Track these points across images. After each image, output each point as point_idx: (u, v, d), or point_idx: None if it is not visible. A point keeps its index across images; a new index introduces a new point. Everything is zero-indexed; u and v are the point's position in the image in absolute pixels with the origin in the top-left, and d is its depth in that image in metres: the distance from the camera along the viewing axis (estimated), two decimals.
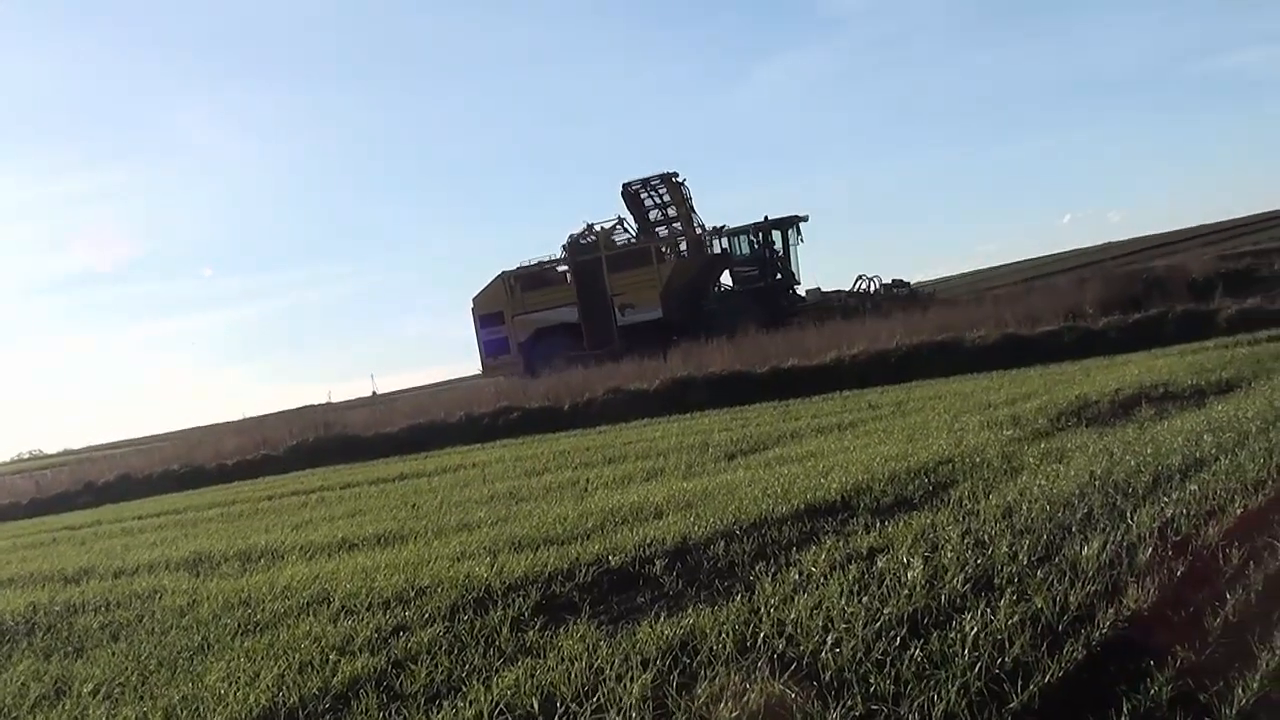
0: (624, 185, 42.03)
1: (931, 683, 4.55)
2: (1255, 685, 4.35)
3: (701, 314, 39.17)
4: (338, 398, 67.35)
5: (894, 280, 39.85)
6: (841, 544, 7.21)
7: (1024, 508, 7.31)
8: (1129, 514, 6.71)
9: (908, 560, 6.33)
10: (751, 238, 40.96)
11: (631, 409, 25.45)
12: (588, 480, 13.15)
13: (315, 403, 62.94)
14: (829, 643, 5.15)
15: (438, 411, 30.49)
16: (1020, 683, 4.46)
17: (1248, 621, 4.94)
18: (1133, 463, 8.31)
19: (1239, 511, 6.53)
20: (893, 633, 5.15)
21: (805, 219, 41.24)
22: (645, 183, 41.87)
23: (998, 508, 7.49)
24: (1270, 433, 8.71)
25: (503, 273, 42.27)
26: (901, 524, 7.52)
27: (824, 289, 40.59)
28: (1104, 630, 4.91)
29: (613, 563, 7.70)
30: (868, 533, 7.47)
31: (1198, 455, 8.28)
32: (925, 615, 5.36)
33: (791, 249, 40.90)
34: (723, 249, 41.76)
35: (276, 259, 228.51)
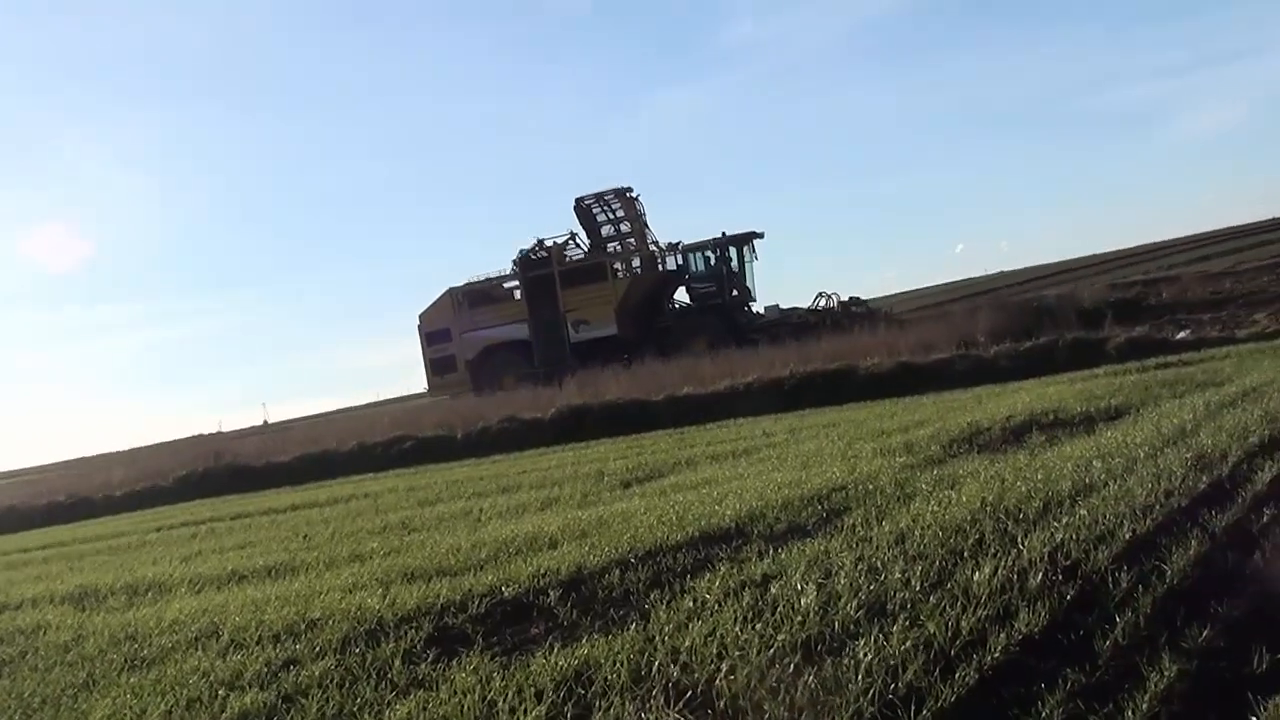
0: (577, 200, 42.27)
1: (826, 709, 4.65)
2: (1145, 707, 4.51)
3: (656, 331, 39.73)
4: (228, 427, 66.52)
5: (851, 298, 40.89)
6: (736, 571, 7.29)
7: (917, 534, 7.47)
8: (1020, 539, 6.90)
9: (801, 587, 6.43)
10: (708, 254, 41.29)
11: (526, 438, 25.83)
12: (482, 510, 13.16)
13: (205, 432, 62.20)
14: (723, 670, 5.23)
15: (330, 440, 30.55)
16: (914, 708, 4.58)
17: (1137, 644, 5.13)
18: (1024, 489, 8.53)
19: (1128, 536, 6.75)
20: (787, 659, 5.23)
21: (761, 235, 41.89)
22: (599, 197, 42.20)
23: (891, 534, 7.64)
24: (1158, 458, 9.01)
25: (450, 289, 42.29)
26: (795, 551, 7.62)
27: (782, 306, 41.09)
28: (996, 654, 5.06)
29: (506, 593, 7.68)
30: (762, 560, 7.56)
31: (1087, 481, 8.52)
32: (819, 642, 5.45)
33: (747, 266, 41.46)
34: (678, 265, 42.06)
35: (165, 288, 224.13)
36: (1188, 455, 8.97)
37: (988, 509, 7.96)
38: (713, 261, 41.16)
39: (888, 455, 12.15)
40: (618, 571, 7.85)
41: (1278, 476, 8.09)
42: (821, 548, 7.58)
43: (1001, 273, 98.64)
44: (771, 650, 5.37)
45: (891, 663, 5.03)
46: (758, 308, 41.69)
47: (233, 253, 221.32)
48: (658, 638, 5.92)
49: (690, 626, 6.01)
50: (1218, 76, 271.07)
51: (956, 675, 4.85)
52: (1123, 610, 5.50)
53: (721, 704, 4.88)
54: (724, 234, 40.82)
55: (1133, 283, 44.07)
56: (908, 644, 5.19)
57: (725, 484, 11.97)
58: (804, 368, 26.46)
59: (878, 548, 7.26)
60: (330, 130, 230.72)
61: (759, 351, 30.27)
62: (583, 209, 42.21)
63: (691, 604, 6.59)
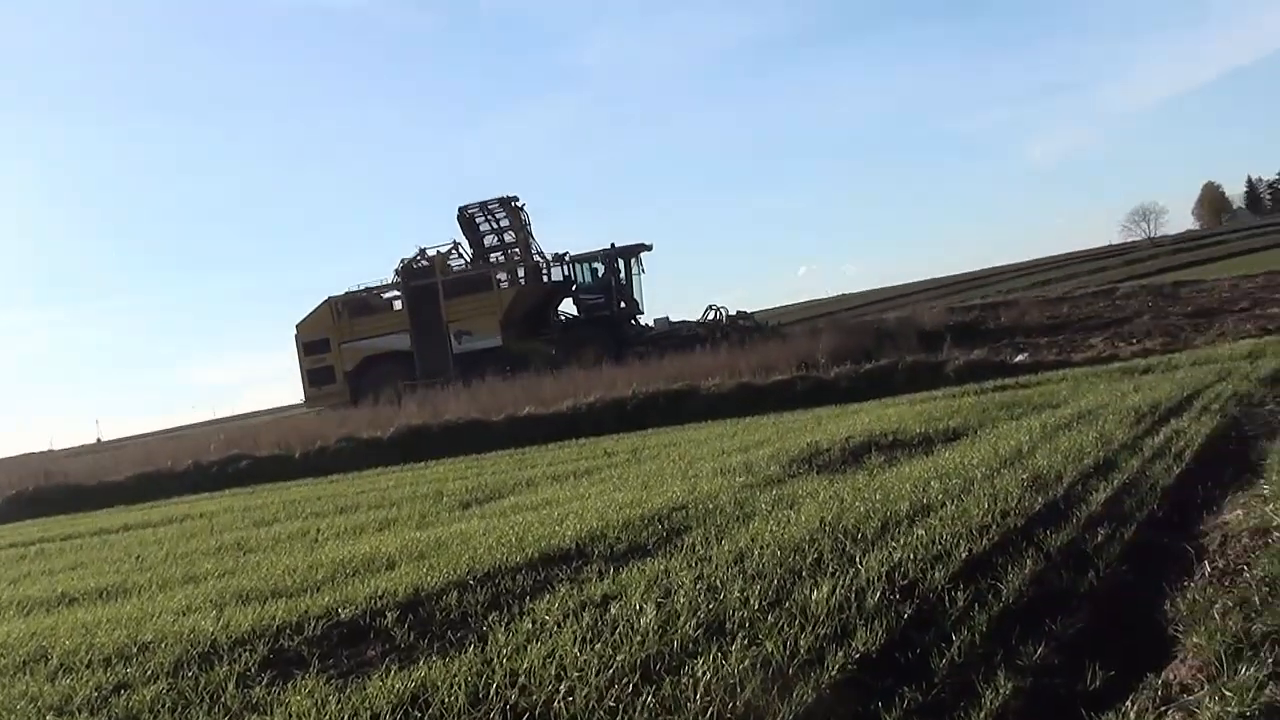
0: (460, 209, 41.93)
1: None
2: None
3: (541, 342, 39.70)
4: (60, 445, 64.23)
5: (738, 312, 41.14)
6: (575, 592, 7.29)
7: (756, 553, 7.54)
8: (858, 559, 7.00)
9: (641, 607, 6.45)
10: (595, 265, 41.30)
11: (365, 458, 25.79)
12: (319, 530, 13.03)
13: (35, 450, 59.82)
14: (562, 691, 5.22)
15: (165, 459, 29.92)
16: None
17: (973, 662, 5.25)
18: (862, 509, 8.68)
19: (964, 555, 6.92)
20: (625, 680, 5.24)
21: (650, 248, 42.08)
22: (483, 206, 41.87)
23: (730, 553, 7.70)
24: (994, 479, 9.26)
25: (330, 298, 41.62)
26: (635, 570, 7.66)
27: (672, 319, 41.22)
28: (834, 673, 5.12)
29: (343, 615, 7.59)
30: (601, 580, 7.57)
31: (925, 501, 8.70)
32: (658, 661, 5.47)
33: (635, 278, 41.50)
34: (565, 276, 41.86)
35: None
36: (1024, 476, 9.23)
37: (826, 528, 8.07)
38: (600, 273, 41.29)
39: (728, 475, 12.30)
40: (456, 593, 7.78)
41: (1111, 497, 8.36)
42: (661, 567, 7.62)
43: (844, 295, 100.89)
44: (610, 671, 5.37)
45: (730, 682, 5.06)
46: (646, 320, 42.00)
47: (69, 264, 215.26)
48: (496, 660, 5.88)
49: (529, 648, 5.97)
50: (1059, 105, 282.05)
51: (794, 694, 4.90)
52: (959, 629, 5.64)
53: None
54: (613, 245, 40.97)
55: (971, 306, 45.43)
56: (746, 663, 5.23)
57: (566, 504, 12.01)
58: (646, 388, 26.77)
59: (717, 567, 7.32)
60: (173, 142, 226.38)
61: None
62: (466, 218, 42.02)
63: (530, 625, 6.56)
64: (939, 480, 9.57)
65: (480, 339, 39.60)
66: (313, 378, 41.57)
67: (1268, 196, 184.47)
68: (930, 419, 14.97)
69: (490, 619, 6.94)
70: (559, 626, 6.39)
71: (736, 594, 6.46)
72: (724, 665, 5.24)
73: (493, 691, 5.42)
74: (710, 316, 40.07)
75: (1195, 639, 5.11)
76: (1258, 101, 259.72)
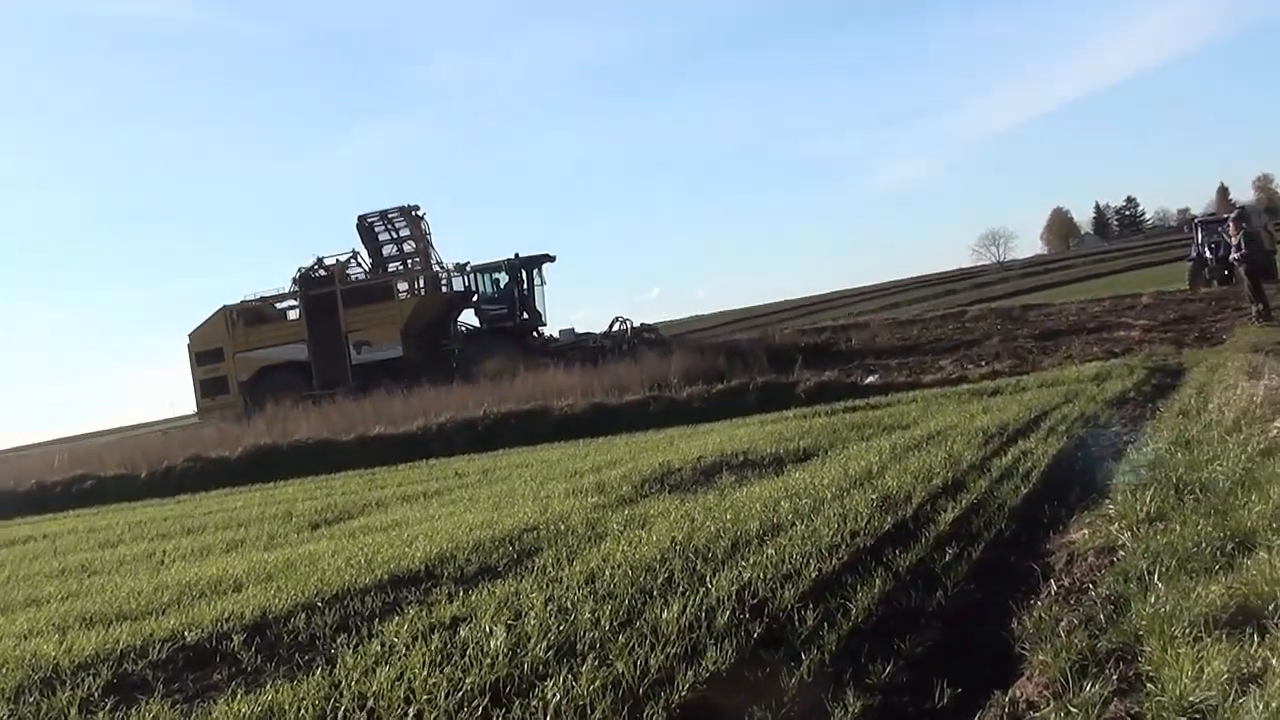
0: (360, 217, 41.39)
1: None
2: None
3: (442, 353, 39.45)
4: None
5: (642, 324, 41.26)
6: (425, 614, 7.26)
7: (607, 573, 7.57)
8: (709, 578, 7.06)
9: (491, 629, 6.43)
10: (498, 276, 40.94)
11: (213, 478, 25.64)
12: (165, 552, 12.83)
13: None
14: (410, 715, 5.20)
15: (7, 479, 29.40)
16: None
17: (822, 680, 5.33)
18: (713, 528, 8.76)
19: (814, 575, 7.03)
20: (475, 702, 5.23)
21: (553, 259, 41.92)
22: (383, 215, 41.40)
23: (581, 574, 7.73)
24: (844, 499, 9.41)
25: (224, 306, 40.79)
26: (485, 592, 7.65)
27: (577, 330, 41.18)
28: (684, 692, 5.16)
29: (189, 638, 7.47)
30: (451, 602, 7.56)
31: (775, 521, 8.81)
32: (508, 683, 5.46)
33: (537, 289, 41.24)
34: (466, 286, 41.65)
35: None
36: (873, 496, 9.38)
37: (677, 548, 8.13)
38: (503, 284, 41.06)
39: (580, 495, 12.34)
40: (304, 615, 7.72)
41: (960, 517, 8.55)
42: (512, 589, 7.61)
43: (697, 316, 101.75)
44: (460, 694, 5.35)
45: (580, 703, 5.08)
46: (551, 331, 41.88)
47: None
48: (344, 683, 5.84)
49: (378, 671, 5.93)
50: (912, 130, 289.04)
51: (645, 714, 4.94)
52: (809, 647, 5.72)
53: None
54: (516, 255, 40.75)
55: (823, 328, 46.12)
56: (596, 684, 5.24)
57: (416, 525, 11.98)
58: (499, 408, 26.80)
59: (568, 588, 7.34)
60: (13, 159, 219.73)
61: (484, 386, 30.39)
62: (365, 226, 41.58)
63: (379, 648, 6.52)
64: (789, 500, 9.70)
65: (380, 349, 39.38)
66: (205, 388, 40.94)
67: (1115, 222, 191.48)
68: (781, 439, 15.17)
69: (338, 641, 6.88)
70: (408, 649, 6.34)
71: (587, 615, 6.47)
72: (574, 687, 5.25)
73: (340, 715, 5.37)
74: (615, 328, 40.23)
75: (1042, 656, 5.24)
76: (1106, 130, 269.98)
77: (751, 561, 7.43)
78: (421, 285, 41.17)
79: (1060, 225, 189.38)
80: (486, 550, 9.48)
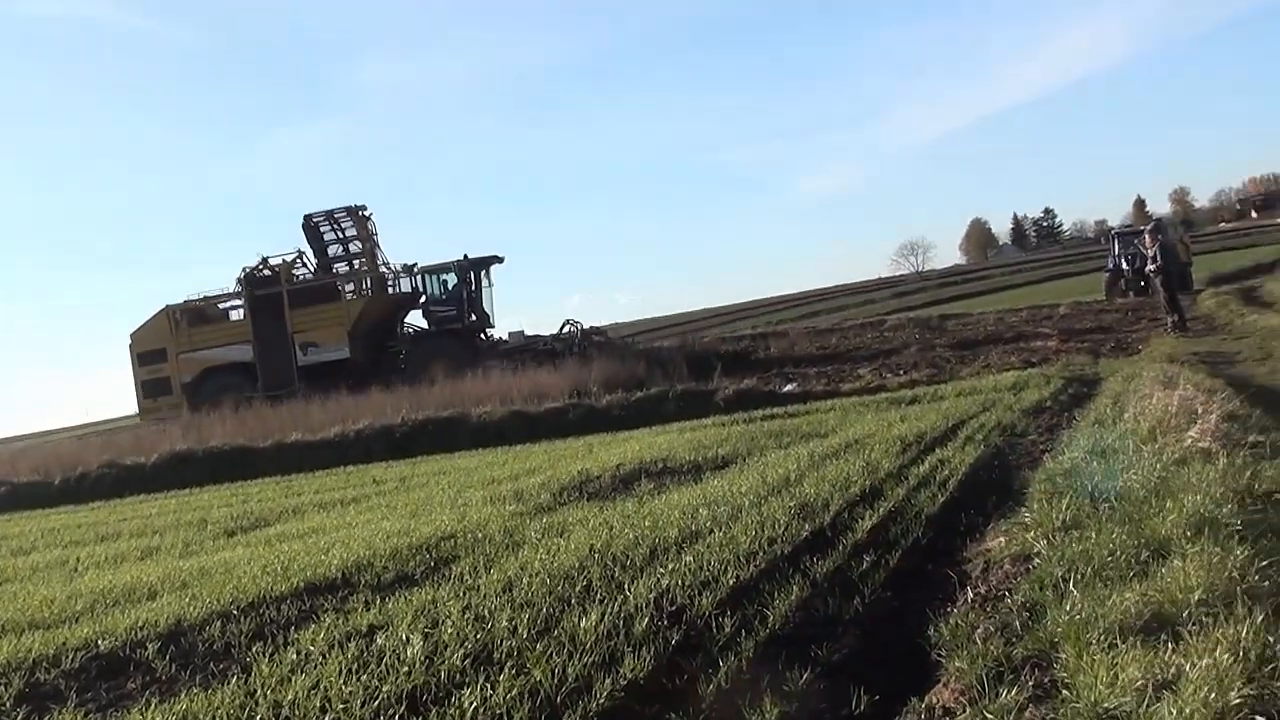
0: (306, 217, 40.92)
1: None
2: None
3: (389, 355, 39.38)
4: None
5: (591, 327, 41.20)
6: (341, 622, 7.25)
7: (525, 582, 7.57)
8: (627, 585, 7.09)
9: (407, 637, 6.42)
10: (445, 277, 40.76)
11: (128, 484, 25.42)
12: (78, 560, 12.70)
13: None
14: None
15: None
16: None
17: (740, 687, 5.36)
18: (631, 535, 8.79)
19: (732, 582, 7.06)
20: (391, 711, 5.23)
21: (501, 260, 41.67)
22: (329, 215, 40.93)
23: (499, 582, 7.72)
24: (763, 507, 9.45)
25: (167, 306, 40.12)
26: (402, 600, 7.64)
27: (527, 332, 40.93)
28: (602, 700, 5.18)
29: (103, 647, 7.40)
30: (368, 610, 7.54)
31: (694, 528, 8.85)
32: (425, 692, 5.45)
33: (485, 290, 41.05)
34: (414, 287, 41.32)
35: None
36: (791, 504, 9.44)
37: (596, 556, 8.15)
38: (450, 285, 40.89)
39: (498, 503, 12.33)
40: (219, 623, 7.69)
41: (877, 525, 8.63)
42: (429, 597, 7.60)
43: (616, 324, 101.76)
44: (376, 702, 5.34)
45: (497, 711, 5.08)
46: (500, 333, 41.79)
47: None
48: (259, 691, 5.81)
49: (293, 679, 5.90)
50: (833, 141, 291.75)
51: None
52: (726, 655, 5.75)
53: None
54: (465, 256, 40.54)
55: (742, 336, 46.42)
56: (514, 692, 5.24)
57: (333, 533, 11.96)
58: (416, 415, 26.78)
59: (485, 596, 7.33)
60: None
61: (401, 393, 30.32)
62: (311, 226, 41.16)
63: (295, 656, 6.49)
64: (708, 508, 9.73)
65: (327, 351, 39.04)
66: (147, 389, 40.34)
67: (1033, 233, 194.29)
68: (700, 447, 15.23)
69: (254, 650, 6.85)
70: (324, 657, 6.33)
71: (505, 623, 6.47)
72: (491, 695, 5.25)
73: None
74: (565, 331, 40.16)
75: (958, 663, 5.30)
76: (1025, 142, 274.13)
77: (670, 569, 7.46)
78: (368, 286, 40.86)
79: (979, 236, 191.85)
80: (404, 558, 9.44)
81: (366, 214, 41.30)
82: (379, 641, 6.49)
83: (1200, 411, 10.44)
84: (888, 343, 35.96)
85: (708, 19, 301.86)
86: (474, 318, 40.89)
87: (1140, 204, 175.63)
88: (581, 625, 6.24)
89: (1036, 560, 6.78)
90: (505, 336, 41.24)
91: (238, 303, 40.81)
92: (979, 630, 5.71)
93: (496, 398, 27.48)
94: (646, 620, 6.25)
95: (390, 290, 41.63)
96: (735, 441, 15.54)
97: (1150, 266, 29.14)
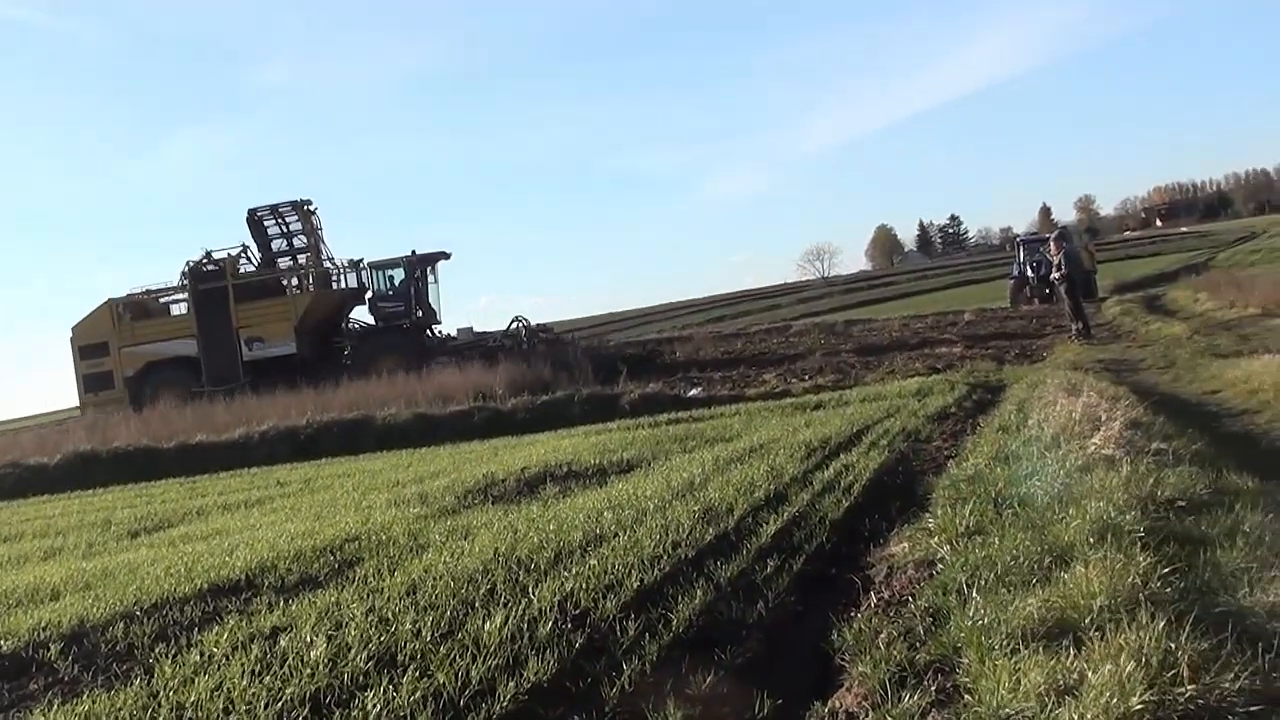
0: (250, 210, 40.72)
1: None
2: None
3: (336, 350, 39.36)
4: None
5: (539, 324, 41.51)
6: (245, 623, 7.21)
7: (429, 584, 7.55)
8: (531, 589, 7.09)
9: (311, 639, 6.39)
10: (391, 273, 40.67)
11: (31, 484, 25.03)
12: None
13: None
14: None
15: None
16: None
17: (643, 690, 5.38)
18: (536, 539, 8.79)
19: (636, 585, 7.08)
20: (295, 713, 5.21)
21: (449, 256, 41.66)
22: (274, 209, 40.78)
23: (403, 585, 7.69)
24: (667, 511, 9.48)
25: (110, 300, 39.58)
26: (306, 602, 7.62)
27: (476, 329, 41.01)
28: (505, 703, 5.18)
29: (4, 648, 7.36)
30: (271, 611, 7.51)
31: (599, 531, 8.86)
32: (328, 694, 5.44)
33: (430, 287, 40.93)
34: (360, 283, 41.15)
35: None
36: (695, 508, 9.47)
37: (500, 559, 8.14)
38: (397, 281, 40.75)
39: (402, 506, 12.30)
40: (122, 624, 7.62)
41: (781, 529, 8.67)
42: (333, 599, 7.57)
43: None
44: (280, 704, 5.31)
45: (401, 714, 5.08)
46: (449, 330, 41.81)
47: None
48: (162, 693, 5.77)
49: (196, 681, 5.87)
50: (739, 146, 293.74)
51: None
52: (630, 658, 5.76)
53: None
54: (414, 253, 40.41)
55: (647, 340, 46.61)
56: (417, 694, 5.24)
57: (237, 534, 11.91)
58: (321, 417, 26.73)
59: (389, 599, 7.30)
60: None
61: (306, 395, 30.31)
62: (255, 220, 40.94)
63: (198, 658, 6.46)
64: (612, 511, 9.76)
65: (273, 345, 38.74)
66: (89, 383, 39.77)
67: (938, 240, 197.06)
68: (605, 450, 15.26)
69: (157, 651, 6.81)
70: (228, 659, 6.30)
71: (409, 626, 6.45)
72: (395, 697, 5.24)
73: None
74: (513, 327, 40.13)
75: (861, 668, 5.36)
76: (931, 149, 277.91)
77: (574, 572, 7.47)
78: (313, 281, 40.64)
79: (884, 242, 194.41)
80: (308, 560, 9.42)
81: (311, 208, 41.16)
82: (282, 643, 6.45)
83: (1104, 418, 10.63)
84: (793, 348, 36.23)
85: (611, 23, 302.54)
86: (420, 314, 40.76)
87: (1046, 211, 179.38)
88: (486, 628, 6.23)
89: (940, 566, 6.87)
90: (454, 333, 41.27)
91: (179, 297, 40.46)
92: (882, 635, 5.78)
93: (401, 400, 27.43)
94: (551, 623, 6.26)
95: (335, 285, 41.46)
96: (640, 445, 15.59)
97: (1055, 274, 29.53)
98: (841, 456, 12.19)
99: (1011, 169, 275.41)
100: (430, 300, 41.29)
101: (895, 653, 5.42)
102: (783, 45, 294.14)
